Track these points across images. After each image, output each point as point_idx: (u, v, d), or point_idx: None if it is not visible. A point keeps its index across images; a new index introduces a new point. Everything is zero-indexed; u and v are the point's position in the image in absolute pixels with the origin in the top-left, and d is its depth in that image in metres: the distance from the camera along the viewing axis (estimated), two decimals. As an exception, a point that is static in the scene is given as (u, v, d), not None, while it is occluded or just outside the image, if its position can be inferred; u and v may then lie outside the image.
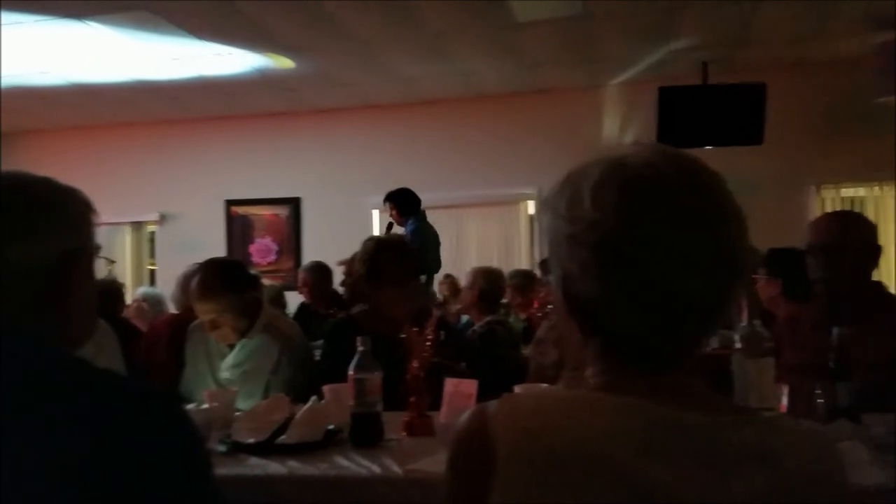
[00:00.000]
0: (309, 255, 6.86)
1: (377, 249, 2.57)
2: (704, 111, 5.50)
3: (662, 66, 5.68)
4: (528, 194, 6.57)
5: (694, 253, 0.77)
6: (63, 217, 1.02)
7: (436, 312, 2.20)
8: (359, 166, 6.81)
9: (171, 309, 4.36)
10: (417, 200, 5.39)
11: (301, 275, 4.35)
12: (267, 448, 1.79)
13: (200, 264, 2.83)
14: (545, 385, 2.31)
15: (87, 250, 1.06)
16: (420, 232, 5.25)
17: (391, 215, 5.41)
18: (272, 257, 7.02)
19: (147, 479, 0.87)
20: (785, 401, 1.69)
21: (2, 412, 0.86)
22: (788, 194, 5.84)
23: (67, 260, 1.01)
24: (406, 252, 2.57)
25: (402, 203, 5.35)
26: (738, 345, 1.77)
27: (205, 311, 2.65)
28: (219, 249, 6.76)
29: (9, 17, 4.41)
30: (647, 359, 0.81)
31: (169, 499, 0.88)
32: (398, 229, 5.29)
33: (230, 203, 7.12)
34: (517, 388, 1.94)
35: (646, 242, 0.76)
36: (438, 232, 5.51)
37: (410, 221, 5.32)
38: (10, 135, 7.27)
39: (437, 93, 6.44)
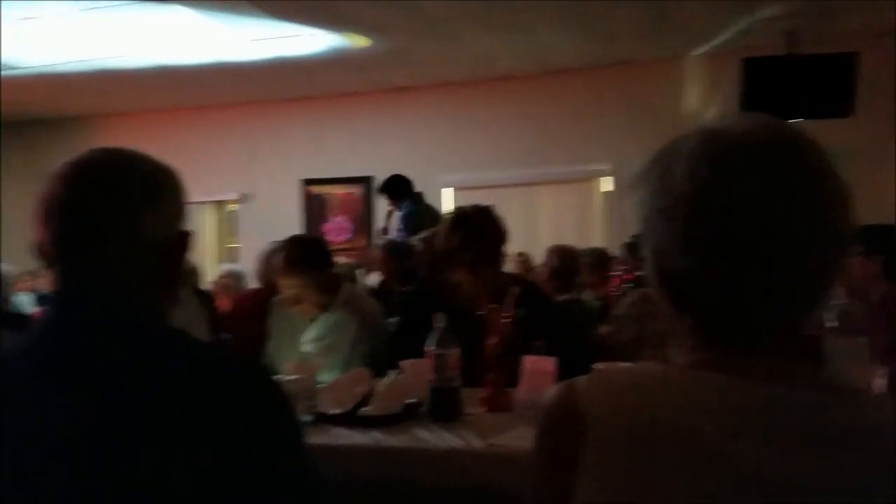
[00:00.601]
0: (383, 233, 6.97)
1: (457, 225, 2.56)
2: (791, 83, 5.26)
3: (746, 36, 5.46)
4: (603, 171, 6.45)
5: (792, 227, 0.74)
6: (180, 196, 1.08)
7: (513, 290, 2.19)
8: (431, 144, 6.83)
9: (253, 284, 4.52)
10: (407, 183, 5.60)
11: (377, 252, 4.41)
12: (351, 419, 1.84)
13: (285, 241, 2.91)
14: (627, 363, 2.29)
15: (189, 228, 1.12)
16: (415, 214, 5.39)
17: (389, 205, 5.67)
18: (346, 235, 7.14)
19: (256, 450, 0.92)
20: (882, 382, 1.63)
21: (120, 386, 0.91)
22: (879, 168, 5.55)
23: (182, 237, 1.06)
24: (486, 228, 2.55)
25: (393, 190, 5.59)
26: (831, 324, 1.72)
27: (288, 286, 2.73)
28: (295, 228, 6.90)
29: (94, 3, 4.58)
30: (739, 336, 0.78)
31: (275, 465, 0.93)
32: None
33: (306, 182, 7.26)
34: (599, 366, 1.93)
35: (739, 216, 0.74)
36: (513, 209, 5.48)
37: (404, 205, 5.49)
38: (95, 117, 7.59)
39: (510, 69, 6.38)
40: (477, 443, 1.67)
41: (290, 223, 6.95)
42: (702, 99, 5.97)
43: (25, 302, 5.27)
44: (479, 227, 2.54)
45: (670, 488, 0.72)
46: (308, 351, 2.77)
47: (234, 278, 5.12)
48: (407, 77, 6.54)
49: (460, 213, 2.63)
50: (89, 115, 7.58)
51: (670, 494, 0.72)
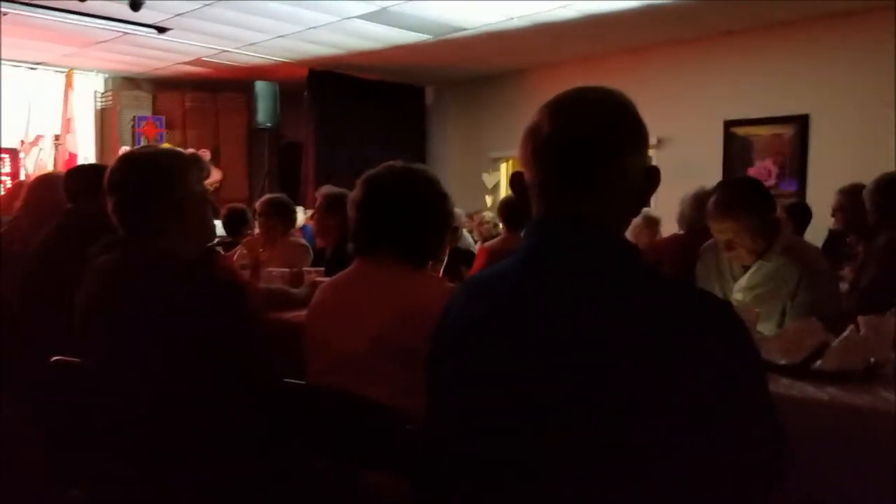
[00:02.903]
0: (816, 178, 6.30)
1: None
2: None
3: None
4: None
5: None
6: (647, 132, 1.14)
7: None
8: (879, 76, 5.87)
9: (669, 231, 4.48)
10: None
11: (836, 197, 3.97)
12: (801, 371, 1.74)
13: (718, 183, 2.83)
14: None
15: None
16: None
17: None
18: (772, 181, 6.63)
19: (735, 370, 0.95)
20: None
21: (600, 312, 0.99)
22: None
23: (653, 172, 1.14)
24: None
25: None
26: None
27: (721, 231, 2.65)
28: (716, 172, 6.64)
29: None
30: None
31: (745, 387, 0.95)
32: None
33: (729, 124, 6.90)
34: None
35: None
36: None
37: None
38: (526, 70, 8.17)
39: None
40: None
41: (711, 167, 6.70)
42: None
43: (469, 240, 5.98)
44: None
45: None
46: (738, 299, 2.67)
47: (647, 223, 5.09)
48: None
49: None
50: (520, 69, 8.20)
51: None
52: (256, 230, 4.58)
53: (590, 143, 1.06)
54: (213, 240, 2.07)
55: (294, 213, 4.53)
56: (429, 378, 1.13)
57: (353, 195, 1.86)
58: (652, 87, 7.07)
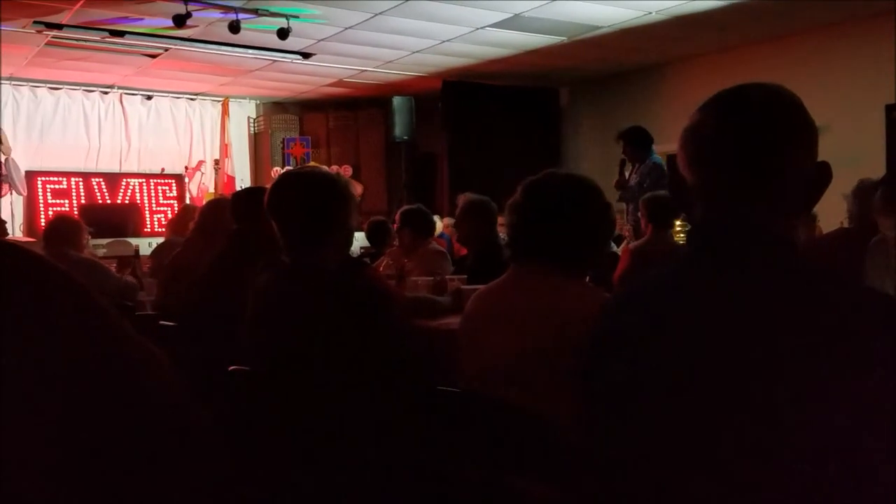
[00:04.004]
0: None
1: None
2: None
3: None
4: None
5: None
6: (815, 127, 1.09)
7: None
8: None
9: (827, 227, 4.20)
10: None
11: None
12: None
13: (885, 175, 2.64)
14: None
15: None
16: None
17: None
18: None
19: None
20: None
21: (775, 315, 0.95)
22: None
23: (823, 168, 1.09)
24: None
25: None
26: None
27: (890, 227, 2.48)
28: (878, 161, 6.14)
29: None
30: None
31: None
32: None
33: (891, 108, 6.36)
34: None
35: None
36: None
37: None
38: (663, 65, 7.91)
39: None
40: None
41: (872, 156, 6.21)
42: None
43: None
44: None
45: None
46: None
47: (804, 219, 4.81)
48: None
49: None
50: (657, 64, 7.96)
51: None
52: (396, 241, 4.73)
53: (756, 142, 1.03)
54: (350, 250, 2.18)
55: (431, 221, 4.64)
56: (585, 388, 1.13)
57: (512, 200, 1.83)
58: (801, 76, 6.65)
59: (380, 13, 5.95)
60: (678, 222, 4.74)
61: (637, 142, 5.53)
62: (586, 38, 6.83)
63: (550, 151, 8.76)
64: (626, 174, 5.54)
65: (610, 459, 1.03)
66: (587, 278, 1.89)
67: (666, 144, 7.97)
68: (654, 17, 6.24)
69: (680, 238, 4.69)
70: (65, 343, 0.65)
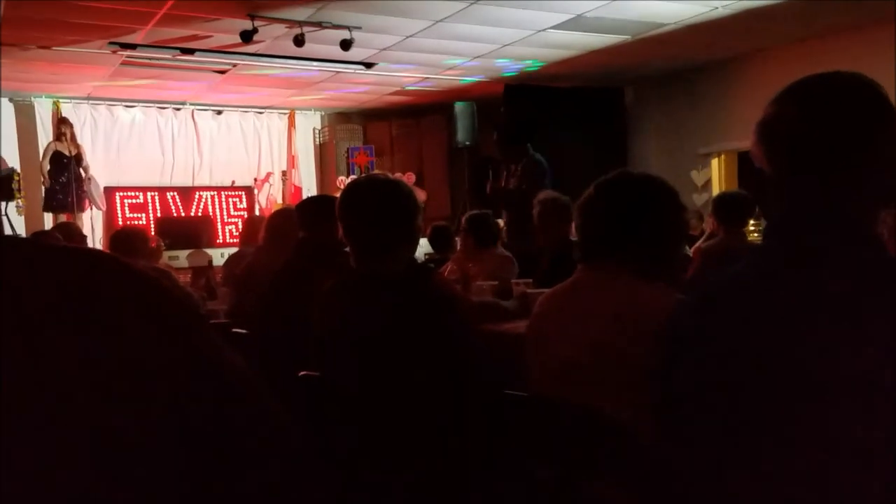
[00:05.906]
0: None
1: None
2: None
3: None
4: None
5: None
6: None
7: None
8: None
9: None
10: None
11: None
12: None
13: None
14: None
15: None
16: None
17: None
18: None
19: None
20: None
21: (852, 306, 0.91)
22: None
23: None
24: None
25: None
26: None
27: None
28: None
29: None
30: None
31: None
32: None
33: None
34: None
35: None
36: None
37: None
38: (730, 61, 7.68)
39: None
40: None
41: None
42: None
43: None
44: None
45: None
46: None
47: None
48: None
49: None
50: (724, 59, 7.74)
51: None
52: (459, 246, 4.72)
53: (844, 131, 0.98)
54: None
55: (495, 226, 4.61)
56: (665, 388, 1.10)
57: (583, 200, 1.79)
58: (882, 68, 6.36)
59: (440, 20, 5.98)
60: (752, 221, 4.60)
61: (512, 138, 5.20)
62: (651, 36, 6.70)
63: (616, 151, 8.62)
64: (501, 178, 5.19)
65: (694, 459, 0.99)
66: (660, 280, 1.83)
67: (735, 141, 7.80)
68: (721, 12, 6.07)
69: (754, 237, 4.54)
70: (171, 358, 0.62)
